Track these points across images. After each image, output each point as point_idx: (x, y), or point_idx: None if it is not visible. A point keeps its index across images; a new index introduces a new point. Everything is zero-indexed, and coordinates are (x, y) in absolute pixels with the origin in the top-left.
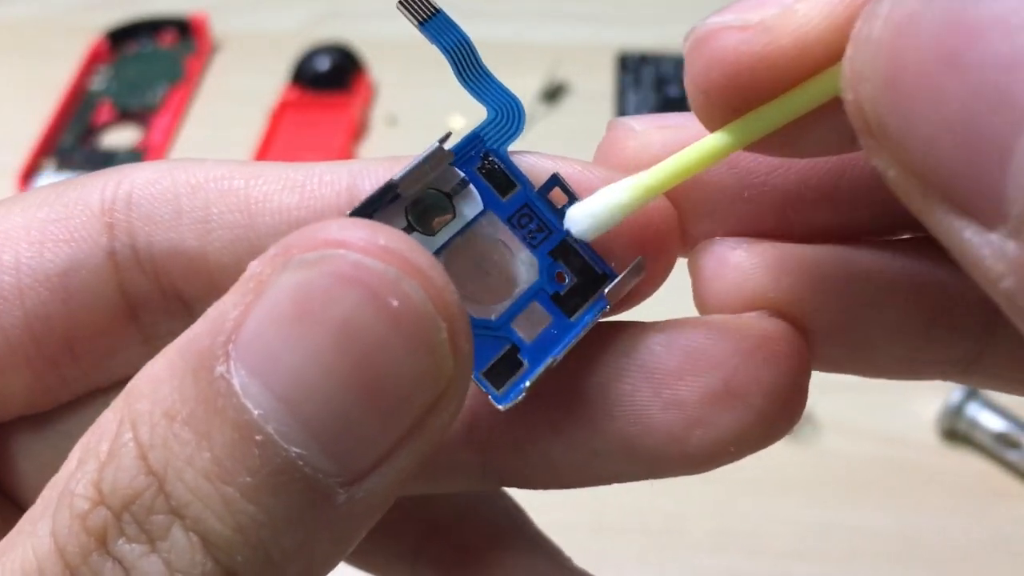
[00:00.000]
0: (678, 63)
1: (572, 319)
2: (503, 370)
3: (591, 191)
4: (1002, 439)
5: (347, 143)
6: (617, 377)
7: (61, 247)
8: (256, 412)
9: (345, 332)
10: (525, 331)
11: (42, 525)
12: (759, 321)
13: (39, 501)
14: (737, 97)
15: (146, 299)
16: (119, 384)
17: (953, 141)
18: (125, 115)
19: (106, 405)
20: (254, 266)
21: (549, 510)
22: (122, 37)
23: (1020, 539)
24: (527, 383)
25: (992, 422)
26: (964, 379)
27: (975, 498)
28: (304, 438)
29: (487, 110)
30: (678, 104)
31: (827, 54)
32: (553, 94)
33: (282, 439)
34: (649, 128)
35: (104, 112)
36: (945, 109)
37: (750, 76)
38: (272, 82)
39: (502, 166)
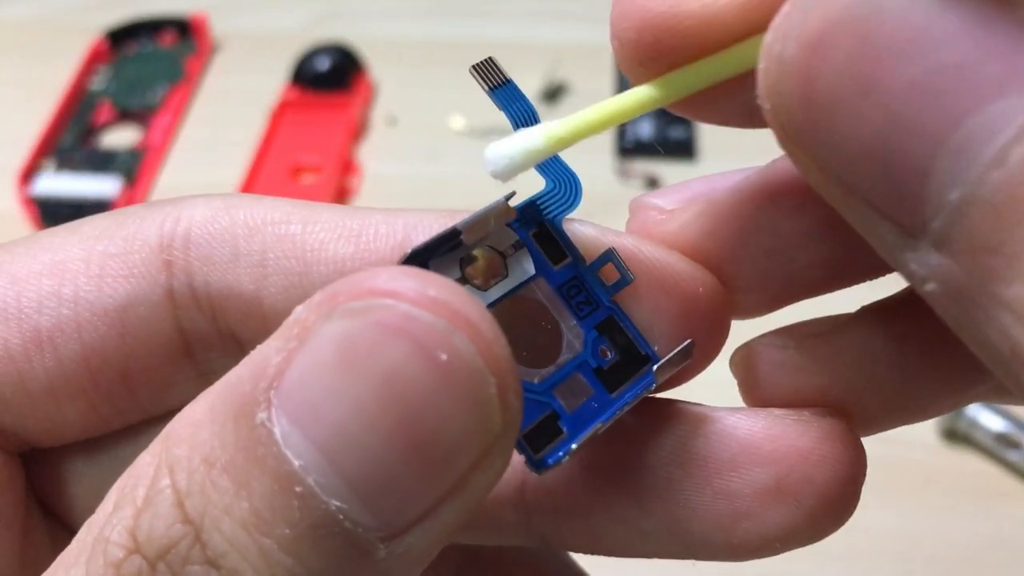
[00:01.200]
0: None
1: (613, 395)
2: (542, 435)
3: (644, 269)
4: (1002, 439)
5: (347, 143)
6: (670, 460)
7: (120, 283)
8: (297, 463)
9: (390, 384)
10: (566, 400)
11: (75, 572)
12: (818, 419)
13: (74, 544)
14: (646, 55)
15: (202, 337)
16: (170, 414)
17: (872, 162)
18: (125, 115)
19: (156, 433)
20: (299, 311)
21: None
22: (122, 37)
23: (1020, 539)
24: (572, 446)
25: (992, 422)
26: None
27: (975, 498)
28: (345, 491)
29: (546, 181)
30: None
31: (740, 27)
32: (553, 94)
33: (322, 491)
34: (678, 204)
35: (104, 112)
36: (862, 133)
37: (655, 37)
38: (272, 82)
39: (556, 235)
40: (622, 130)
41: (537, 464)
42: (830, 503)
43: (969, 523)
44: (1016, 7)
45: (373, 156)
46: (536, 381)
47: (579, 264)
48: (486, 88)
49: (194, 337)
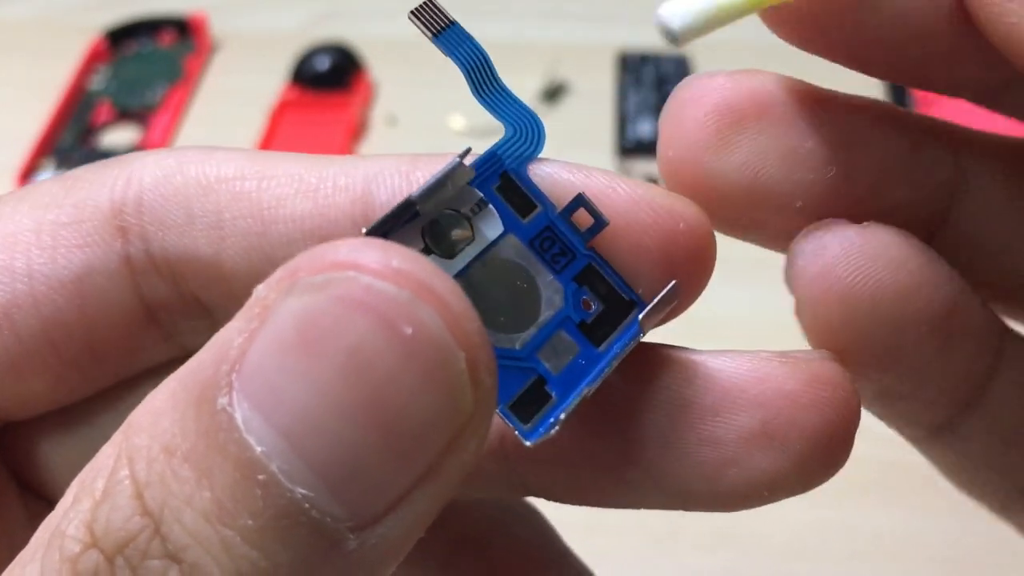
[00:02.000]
0: (678, 63)
1: (600, 349)
2: (530, 403)
3: (619, 210)
4: None
5: (347, 143)
6: (652, 407)
7: (74, 252)
8: (259, 449)
9: (353, 362)
10: (551, 362)
11: (31, 569)
12: (807, 361)
13: (32, 541)
14: None
15: (165, 303)
16: (145, 374)
17: None
18: (124, 115)
19: (132, 397)
20: (260, 290)
21: (549, 508)
22: (121, 37)
23: (1020, 539)
24: (561, 416)
25: None
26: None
27: None
28: (310, 478)
29: (505, 127)
30: None
31: None
32: (553, 94)
33: (286, 479)
34: (729, 77)
35: (103, 112)
36: None
37: None
38: (271, 82)
39: (522, 186)
40: (622, 130)
41: (526, 435)
42: (819, 448)
43: (969, 523)
44: None
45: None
46: (518, 347)
47: (550, 213)
48: (429, 34)
49: (157, 303)
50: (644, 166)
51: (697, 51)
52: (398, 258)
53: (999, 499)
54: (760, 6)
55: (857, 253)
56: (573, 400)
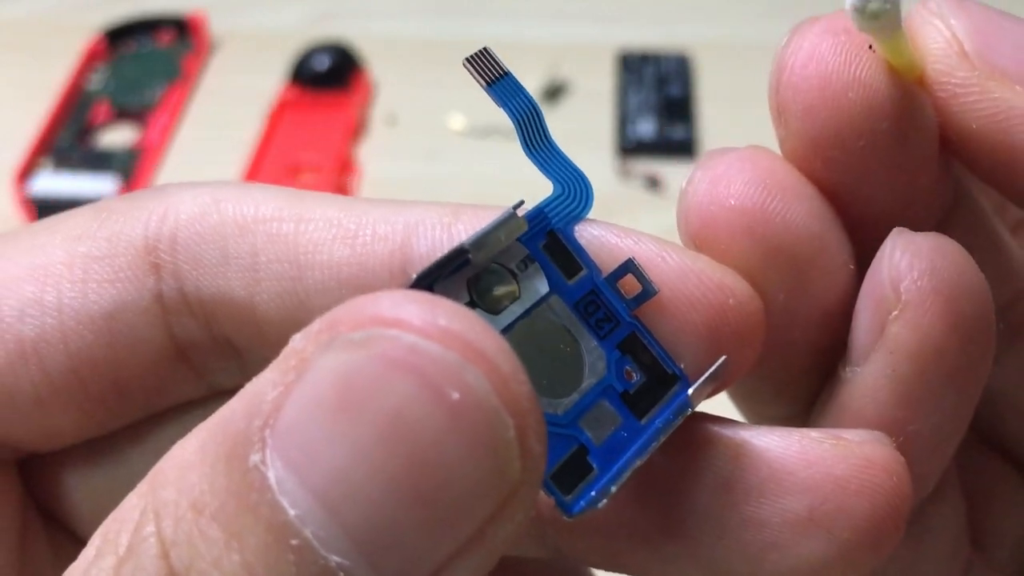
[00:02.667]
0: (678, 62)
1: (643, 422)
2: (571, 474)
3: (667, 280)
4: None
5: (346, 142)
6: (695, 481)
7: (106, 288)
8: (292, 512)
9: (395, 427)
10: (593, 432)
11: None
12: (861, 445)
13: None
14: None
15: (196, 343)
16: (173, 409)
17: None
18: (122, 114)
19: (159, 432)
20: (296, 341)
21: None
22: (119, 36)
23: None
24: (612, 489)
25: None
26: None
27: None
28: (346, 546)
29: (553, 185)
30: (680, 103)
31: None
32: (553, 94)
33: (321, 546)
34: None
35: (101, 111)
36: None
37: None
38: (270, 81)
39: (568, 247)
40: (623, 129)
41: (568, 508)
42: (868, 536)
43: None
44: None
45: (372, 155)
46: (560, 413)
47: (595, 276)
48: (482, 83)
49: (187, 343)
50: (644, 166)
51: (697, 51)
52: (445, 316)
53: None
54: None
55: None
56: (624, 474)
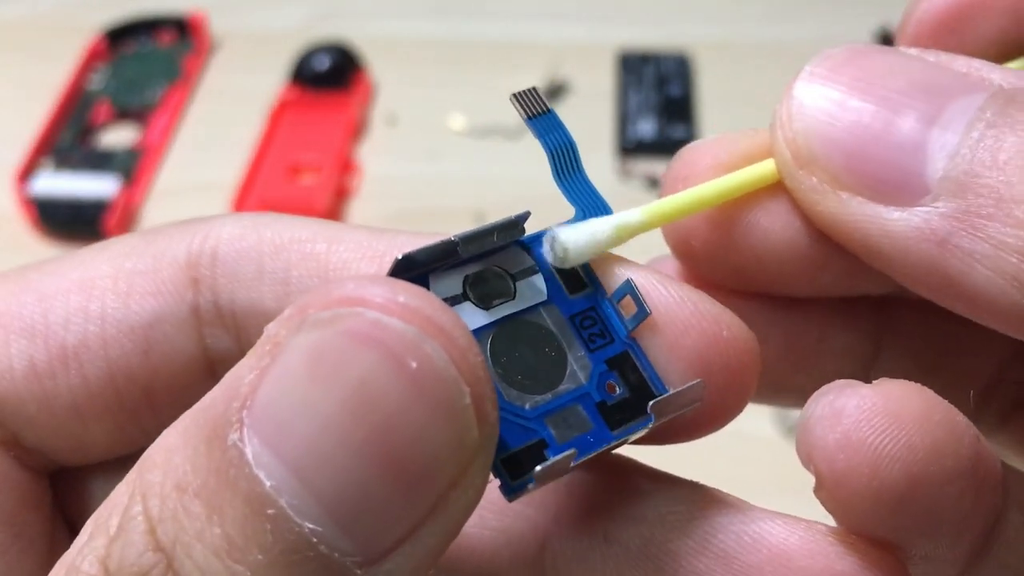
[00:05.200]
0: (678, 62)
1: (614, 432)
2: (524, 462)
3: (664, 305)
4: None
5: (346, 142)
6: (696, 551)
7: (147, 300)
8: (268, 484)
9: (360, 396)
10: (559, 431)
11: None
12: (864, 546)
13: None
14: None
15: (226, 356)
16: None
17: (874, 150)
18: (123, 114)
19: None
20: (270, 328)
21: None
22: (120, 36)
23: None
24: (537, 469)
25: None
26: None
27: None
28: (318, 513)
29: (575, 211)
30: (680, 103)
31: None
32: (553, 94)
33: (296, 514)
34: (733, 135)
35: (102, 111)
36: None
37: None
38: (271, 81)
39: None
40: (623, 129)
41: (510, 489)
42: None
43: None
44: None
45: (373, 155)
46: (527, 407)
47: (599, 294)
48: (524, 116)
49: (218, 356)
50: (644, 166)
51: (697, 51)
52: (404, 294)
53: None
54: (628, 237)
55: (880, 413)
56: (550, 461)
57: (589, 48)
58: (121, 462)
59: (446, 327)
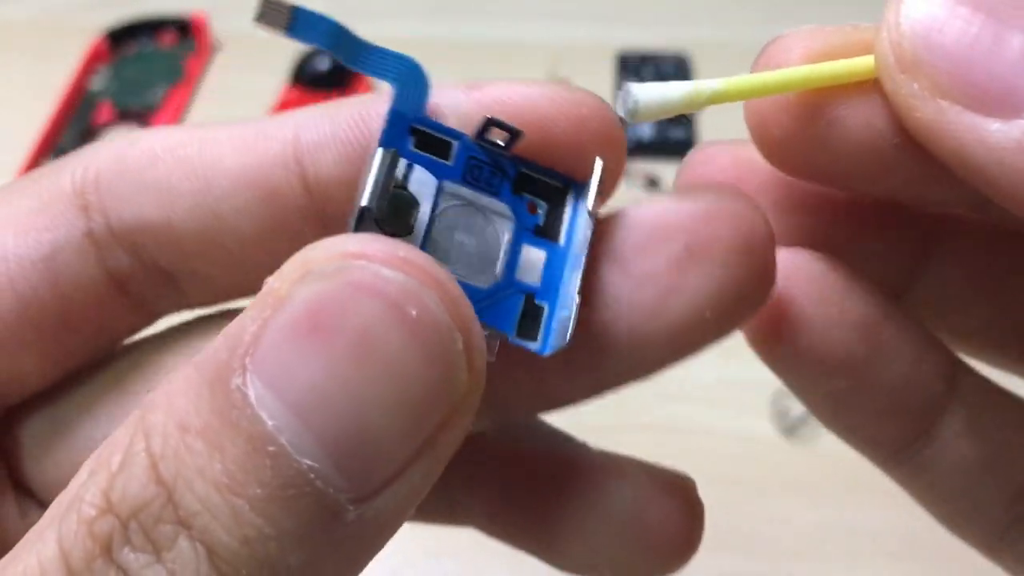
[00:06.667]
0: (678, 62)
1: (561, 242)
2: (531, 321)
3: (526, 118)
4: None
5: None
6: (595, 259)
7: (43, 234)
8: (270, 423)
9: (362, 343)
10: (529, 276)
11: (49, 532)
12: (719, 191)
13: (49, 510)
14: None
15: (129, 272)
16: (115, 354)
17: (982, 59)
18: (125, 115)
19: (105, 379)
20: (271, 282)
21: None
22: (122, 37)
23: None
24: (569, 329)
25: None
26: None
27: None
28: (317, 451)
29: (391, 84)
30: None
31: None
32: None
33: (295, 451)
34: (825, 29)
35: (104, 112)
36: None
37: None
38: (272, 82)
39: (431, 131)
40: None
41: (541, 348)
42: (741, 255)
43: None
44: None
45: None
46: (500, 279)
47: (465, 141)
48: (281, 30)
49: (122, 273)
50: (643, 166)
51: (696, 52)
52: (404, 250)
53: (981, 539)
54: (705, 105)
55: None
56: (572, 310)
57: (589, 48)
58: (53, 405)
59: (441, 279)
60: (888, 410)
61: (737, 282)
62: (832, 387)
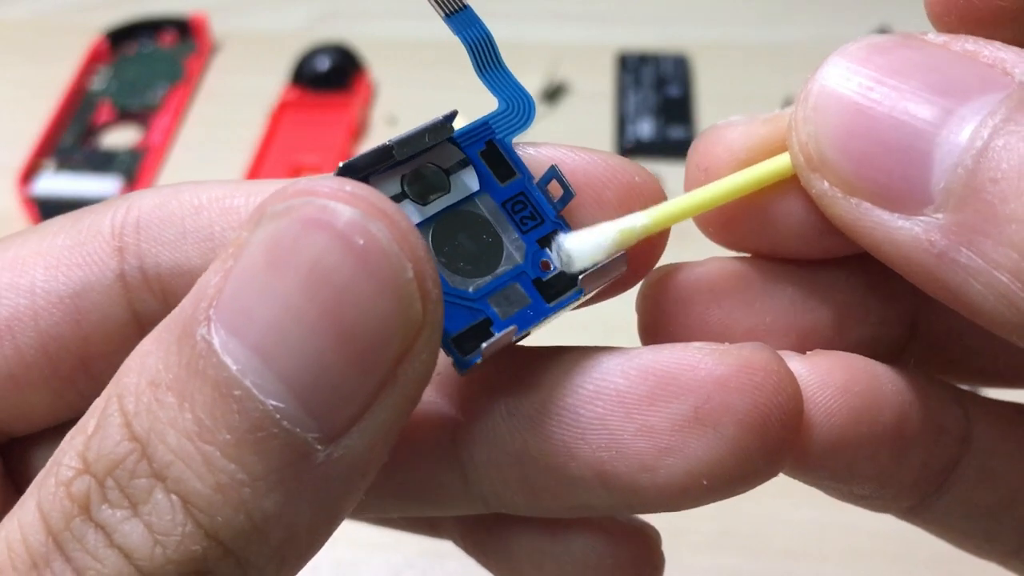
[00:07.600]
0: (678, 63)
1: (551, 305)
2: (473, 339)
3: (587, 181)
4: None
5: (347, 143)
6: (590, 401)
7: (74, 271)
8: (234, 367)
9: (313, 275)
10: (501, 308)
11: (28, 499)
12: (740, 350)
13: (33, 482)
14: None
15: (155, 317)
16: None
17: (882, 156)
18: (125, 115)
19: None
20: (234, 232)
21: None
22: (122, 37)
23: None
24: (483, 345)
25: None
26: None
27: None
28: (280, 389)
29: (499, 102)
30: (678, 104)
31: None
32: (553, 94)
33: (260, 392)
34: (752, 121)
35: (104, 112)
36: (859, 143)
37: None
38: (272, 82)
39: (505, 153)
40: (622, 130)
41: (460, 365)
42: (753, 432)
43: None
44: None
45: None
46: (471, 290)
47: (527, 179)
48: (442, 14)
49: (148, 318)
50: (643, 166)
51: (696, 52)
52: (350, 185)
53: (996, 558)
54: (631, 242)
55: (805, 383)
56: (499, 334)
57: (588, 49)
58: (64, 429)
59: (388, 211)
60: (905, 493)
61: (742, 458)
62: (856, 493)
